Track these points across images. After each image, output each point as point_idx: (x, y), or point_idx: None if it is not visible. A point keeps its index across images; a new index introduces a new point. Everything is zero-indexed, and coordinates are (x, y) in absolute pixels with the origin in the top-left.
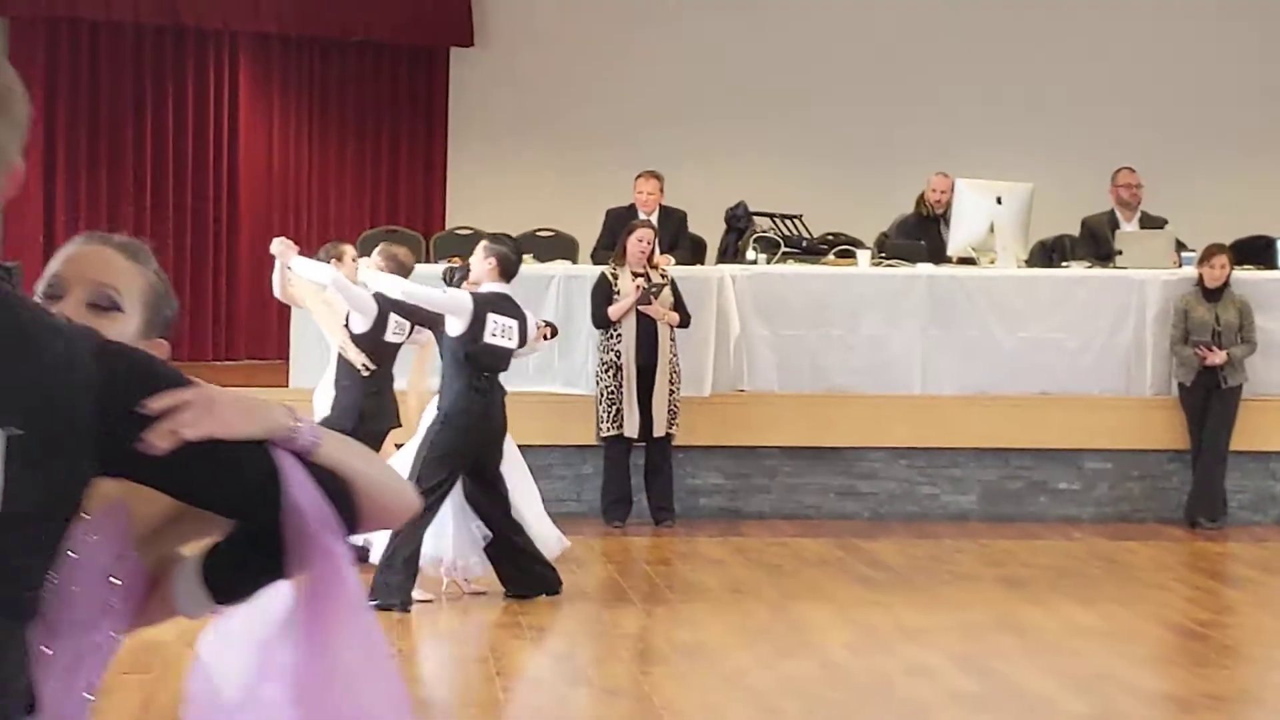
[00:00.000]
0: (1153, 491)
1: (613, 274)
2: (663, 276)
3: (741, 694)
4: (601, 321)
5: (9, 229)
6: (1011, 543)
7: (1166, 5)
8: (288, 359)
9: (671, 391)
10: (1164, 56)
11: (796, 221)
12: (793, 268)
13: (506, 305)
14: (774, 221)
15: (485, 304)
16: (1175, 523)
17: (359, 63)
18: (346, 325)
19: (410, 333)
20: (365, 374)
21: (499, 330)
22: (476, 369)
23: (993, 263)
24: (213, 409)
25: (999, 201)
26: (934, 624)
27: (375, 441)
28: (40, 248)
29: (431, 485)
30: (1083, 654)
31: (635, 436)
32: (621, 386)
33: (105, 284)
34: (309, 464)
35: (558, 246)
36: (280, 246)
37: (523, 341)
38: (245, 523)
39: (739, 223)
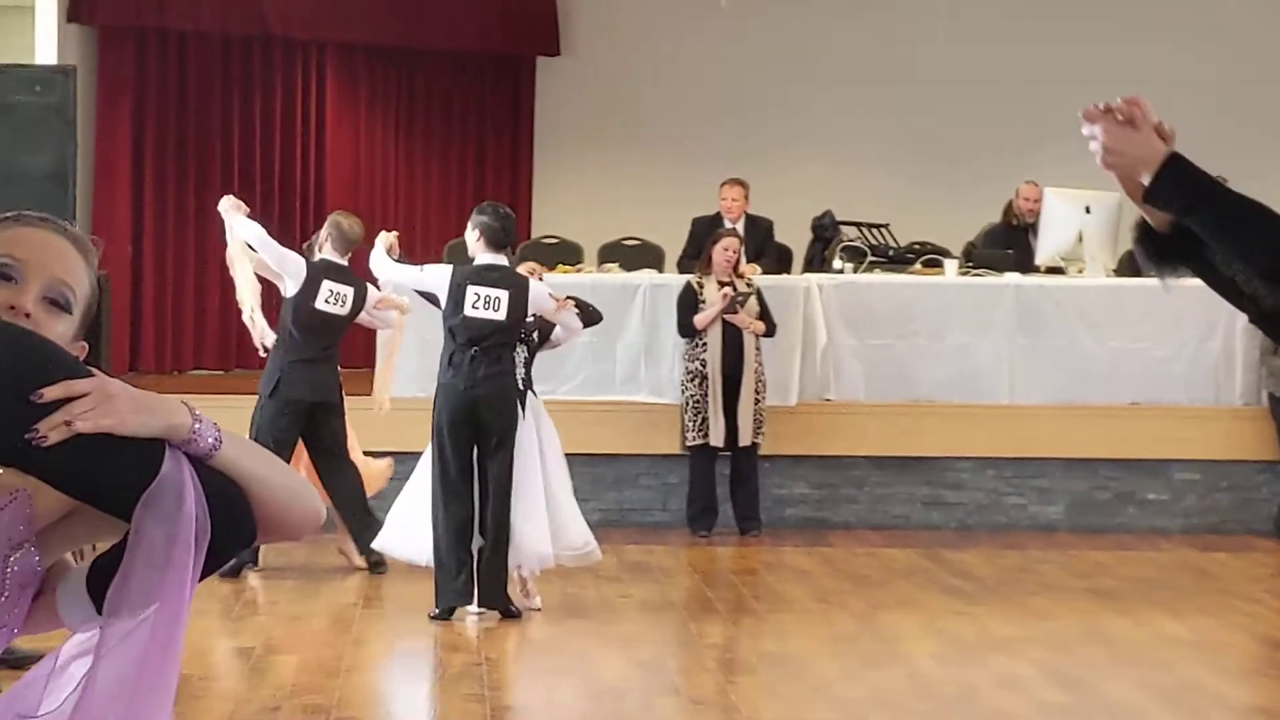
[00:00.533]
0: (1242, 503)
1: (698, 283)
2: (748, 285)
3: (829, 704)
4: (687, 330)
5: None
6: (1100, 554)
7: (1263, 4)
8: (374, 366)
9: (757, 400)
10: (1255, 60)
11: (883, 230)
12: (879, 277)
13: (493, 275)
14: (861, 230)
15: (466, 276)
16: (1265, 534)
17: (445, 72)
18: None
19: (356, 307)
20: (262, 352)
21: (480, 302)
22: (459, 343)
23: (1081, 272)
24: (110, 402)
25: (1088, 211)
26: (1022, 635)
27: (297, 413)
28: (128, 258)
29: (439, 471)
30: (1172, 665)
31: (721, 446)
32: (707, 395)
33: (67, 283)
34: (205, 468)
35: (644, 255)
36: (227, 204)
37: (520, 312)
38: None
39: (825, 232)
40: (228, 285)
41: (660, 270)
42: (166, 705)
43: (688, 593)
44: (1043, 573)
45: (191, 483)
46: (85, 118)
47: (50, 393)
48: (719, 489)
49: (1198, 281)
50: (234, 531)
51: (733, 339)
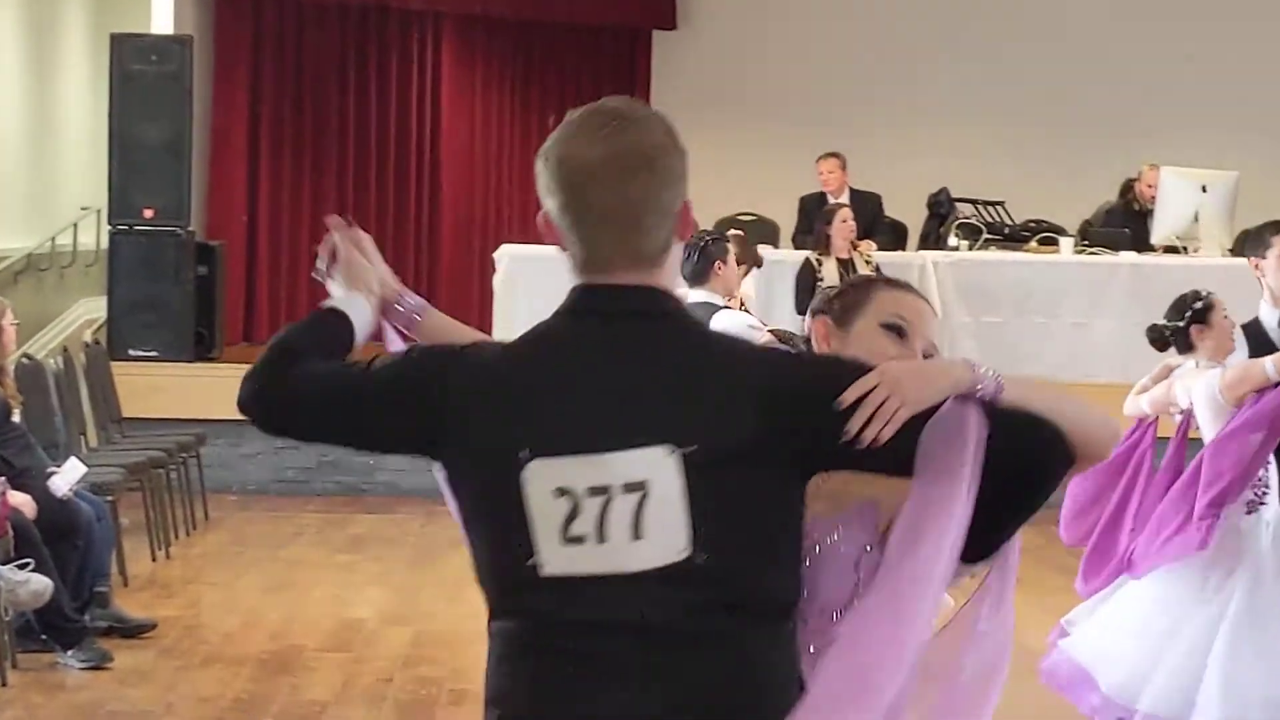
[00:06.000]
0: None
1: (817, 260)
2: (867, 262)
3: None
4: (805, 309)
5: (213, 206)
6: None
7: None
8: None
9: None
10: None
11: (999, 208)
12: (995, 254)
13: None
14: (976, 208)
15: None
16: None
17: (562, 44)
18: None
19: None
20: None
21: None
22: None
23: (1197, 251)
24: (898, 387)
25: (1204, 190)
26: None
27: None
28: (244, 226)
29: None
30: None
31: None
32: None
33: (934, 343)
34: (997, 408)
35: (758, 231)
36: None
37: None
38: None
39: (941, 209)
40: None
41: (775, 246)
42: None
43: None
44: None
45: (976, 418)
46: (202, 87)
47: (849, 396)
48: None
49: None
50: (1042, 453)
51: None
